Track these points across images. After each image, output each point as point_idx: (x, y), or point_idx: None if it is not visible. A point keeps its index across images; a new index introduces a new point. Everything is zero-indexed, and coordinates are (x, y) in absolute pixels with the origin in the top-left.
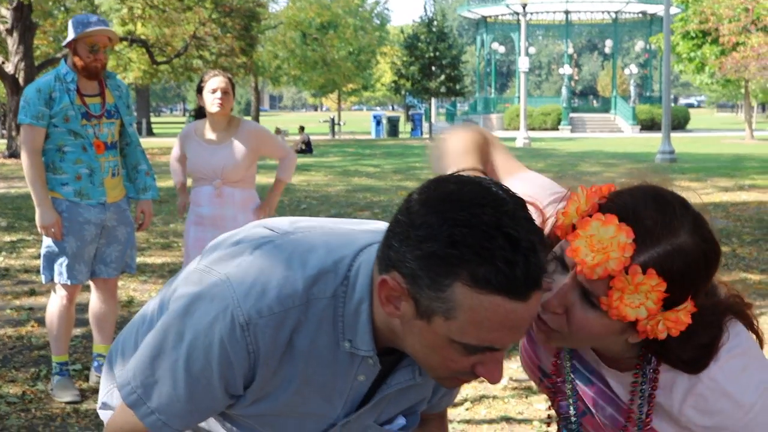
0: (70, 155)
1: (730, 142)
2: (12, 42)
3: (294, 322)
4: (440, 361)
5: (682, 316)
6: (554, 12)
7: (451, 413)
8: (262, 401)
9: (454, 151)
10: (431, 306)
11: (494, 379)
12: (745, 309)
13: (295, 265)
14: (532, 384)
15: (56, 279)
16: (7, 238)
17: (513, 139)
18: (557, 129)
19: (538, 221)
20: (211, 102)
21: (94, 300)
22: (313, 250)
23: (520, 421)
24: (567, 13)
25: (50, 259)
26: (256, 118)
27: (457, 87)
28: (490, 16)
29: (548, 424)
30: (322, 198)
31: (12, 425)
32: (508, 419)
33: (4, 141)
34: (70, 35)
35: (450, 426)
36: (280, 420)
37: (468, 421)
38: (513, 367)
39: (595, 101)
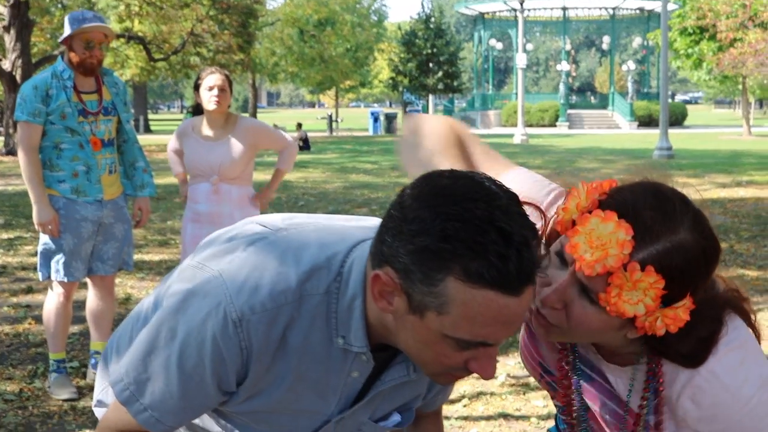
0: (67, 152)
1: (728, 139)
2: (9, 39)
3: (287, 319)
4: (433, 356)
5: (681, 313)
6: (552, 8)
7: (449, 410)
8: (255, 398)
9: (433, 149)
10: (424, 301)
11: (487, 374)
12: (742, 303)
13: (288, 262)
14: (530, 381)
15: (53, 276)
16: (5, 236)
17: (511, 136)
18: (555, 125)
19: (538, 222)
20: (208, 99)
21: (91, 297)
22: (306, 246)
23: (517, 418)
24: (564, 9)
25: (47, 256)
26: (254, 115)
27: (455, 83)
28: (487, 13)
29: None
30: (320, 195)
31: (9, 423)
32: (505, 416)
33: (2, 138)
34: (66, 31)
35: (447, 423)
36: (274, 417)
37: (465, 418)
38: (510, 364)
39: (592, 98)
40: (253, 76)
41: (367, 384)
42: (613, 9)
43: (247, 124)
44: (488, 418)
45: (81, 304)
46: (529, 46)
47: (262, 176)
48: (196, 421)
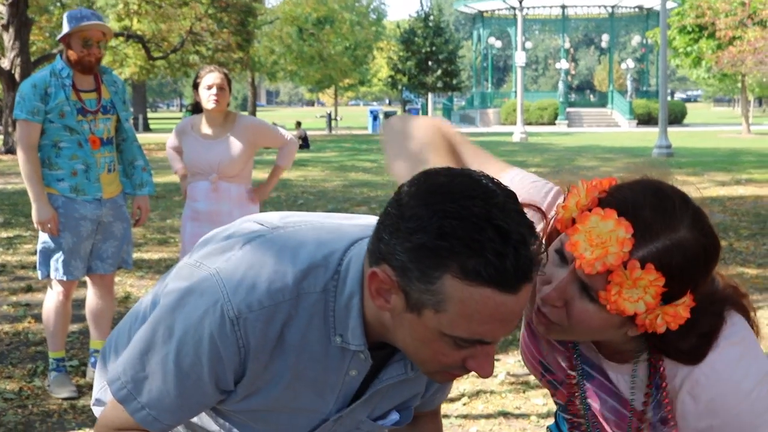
0: (66, 151)
1: (727, 137)
2: (8, 38)
3: (284, 317)
4: (431, 354)
5: (681, 310)
6: (551, 6)
7: (448, 408)
8: (253, 396)
9: (420, 149)
10: (421, 299)
11: (485, 373)
12: (741, 300)
13: (286, 260)
14: (530, 379)
15: (52, 275)
16: (4, 234)
17: (510, 134)
18: (554, 124)
19: (539, 224)
20: (207, 98)
21: (90, 296)
22: (304, 244)
23: (517, 416)
24: (563, 7)
25: (46, 255)
26: (253, 114)
27: (454, 82)
28: (486, 11)
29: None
30: (319, 193)
31: (9, 421)
32: (505, 414)
33: (1, 137)
34: (64, 30)
35: (447, 421)
36: (272, 415)
37: (465, 416)
38: (510, 362)
39: (591, 96)
40: (252, 74)
41: (365, 382)
42: (612, 7)
43: (246, 123)
44: (488, 416)
45: (80, 303)
46: (528, 45)
47: (262, 174)
48: (195, 419)
